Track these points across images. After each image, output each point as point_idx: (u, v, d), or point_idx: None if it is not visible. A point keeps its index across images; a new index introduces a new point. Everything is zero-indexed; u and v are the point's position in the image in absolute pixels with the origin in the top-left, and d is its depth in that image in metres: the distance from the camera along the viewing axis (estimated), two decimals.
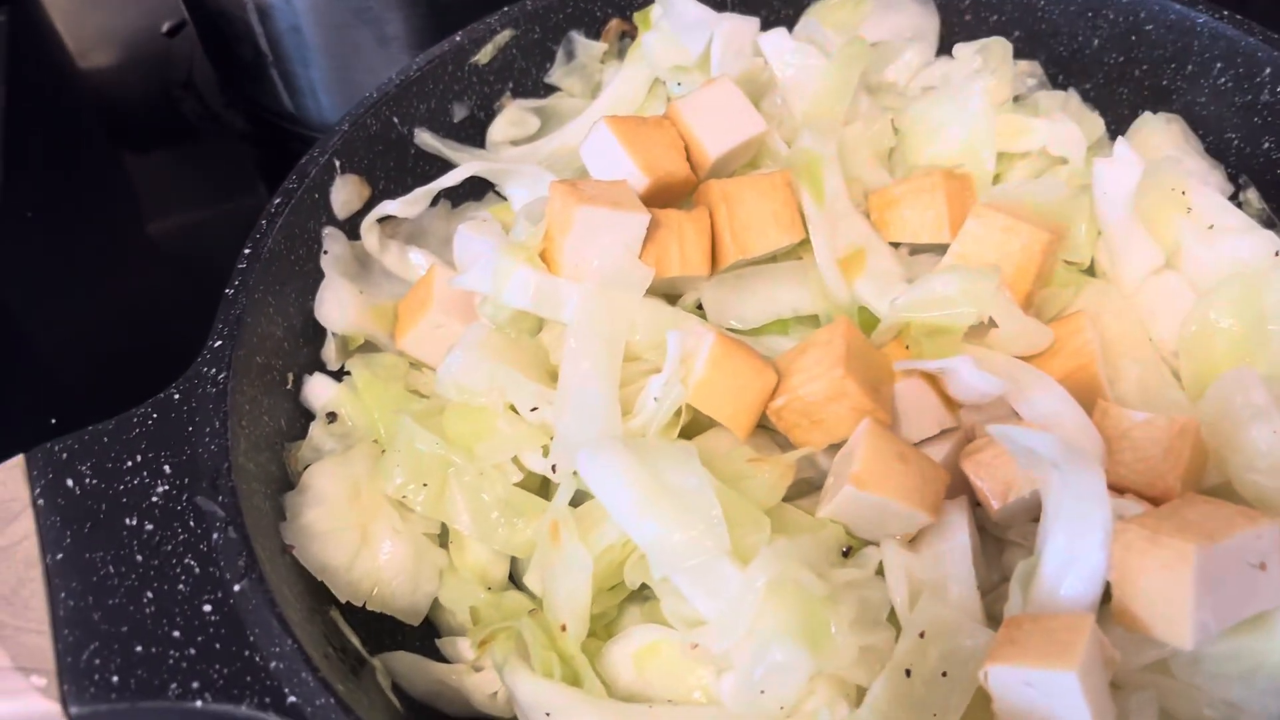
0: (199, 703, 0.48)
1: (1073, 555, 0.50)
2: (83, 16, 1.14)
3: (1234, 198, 0.73)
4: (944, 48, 0.80)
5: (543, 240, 0.61)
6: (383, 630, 0.59)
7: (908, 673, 0.51)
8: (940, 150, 0.70)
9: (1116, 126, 0.77)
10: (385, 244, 0.71)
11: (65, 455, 0.53)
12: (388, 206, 0.69)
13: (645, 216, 0.61)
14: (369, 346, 0.68)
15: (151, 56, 1.09)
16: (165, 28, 1.09)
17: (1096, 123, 0.74)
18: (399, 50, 0.85)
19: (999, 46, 0.74)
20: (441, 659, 0.59)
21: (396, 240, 0.72)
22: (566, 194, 0.60)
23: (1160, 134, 0.73)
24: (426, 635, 0.61)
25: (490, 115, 0.78)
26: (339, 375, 0.67)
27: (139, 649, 0.49)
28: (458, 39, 0.75)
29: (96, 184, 1.02)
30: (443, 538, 0.62)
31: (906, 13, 0.80)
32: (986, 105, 0.68)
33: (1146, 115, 0.74)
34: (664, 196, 0.65)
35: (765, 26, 0.80)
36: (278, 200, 0.66)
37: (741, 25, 0.71)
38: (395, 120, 0.73)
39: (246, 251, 0.63)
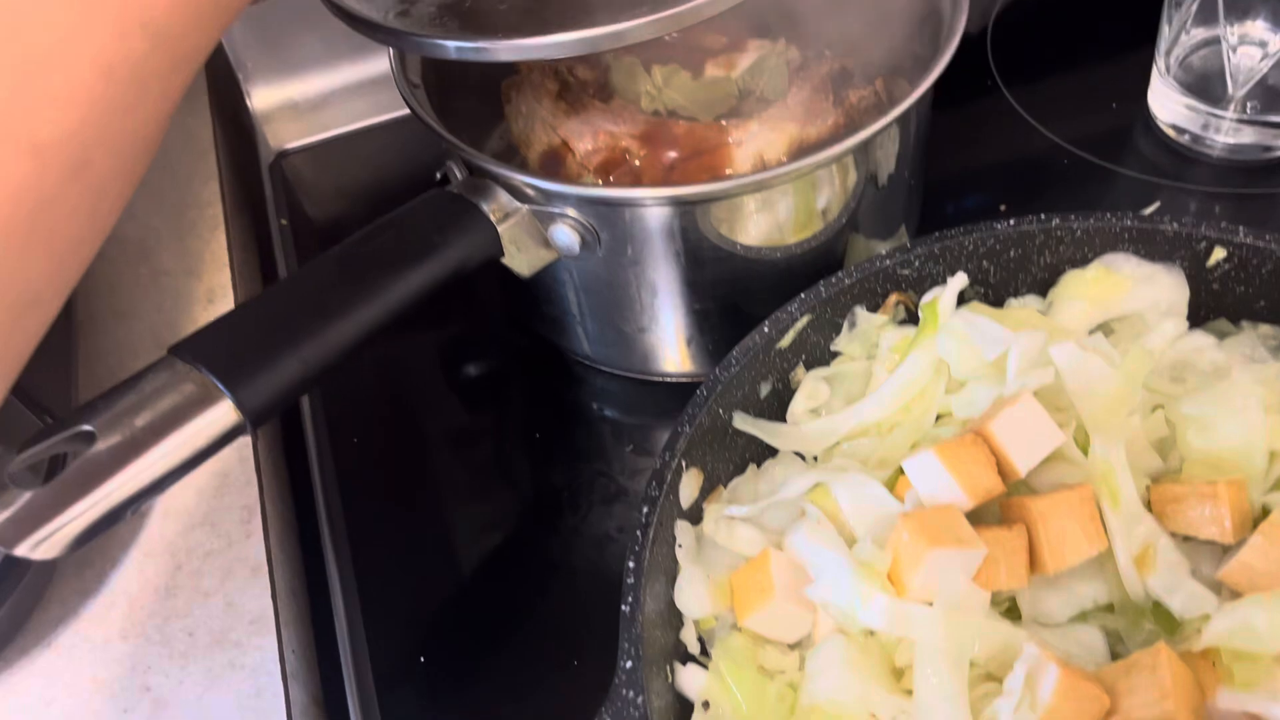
0: None
1: None
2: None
3: None
4: (1192, 318, 0.89)
5: (890, 564, 0.73)
6: None
7: None
8: (1213, 447, 0.79)
9: None
10: (715, 522, 0.83)
11: None
12: (735, 511, 0.80)
13: (983, 551, 0.71)
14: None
15: None
16: None
17: None
18: (701, 316, 0.96)
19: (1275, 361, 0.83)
20: None
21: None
22: (917, 533, 0.71)
23: None
24: None
25: (787, 386, 0.89)
26: (698, 658, 0.79)
27: None
28: (766, 330, 0.86)
29: None
30: None
31: (1158, 285, 0.88)
32: (1261, 413, 0.78)
33: None
34: (979, 509, 0.76)
35: (1020, 291, 0.90)
36: (645, 509, 0.77)
37: (1034, 340, 0.80)
38: (720, 411, 0.84)
39: (631, 565, 0.74)
